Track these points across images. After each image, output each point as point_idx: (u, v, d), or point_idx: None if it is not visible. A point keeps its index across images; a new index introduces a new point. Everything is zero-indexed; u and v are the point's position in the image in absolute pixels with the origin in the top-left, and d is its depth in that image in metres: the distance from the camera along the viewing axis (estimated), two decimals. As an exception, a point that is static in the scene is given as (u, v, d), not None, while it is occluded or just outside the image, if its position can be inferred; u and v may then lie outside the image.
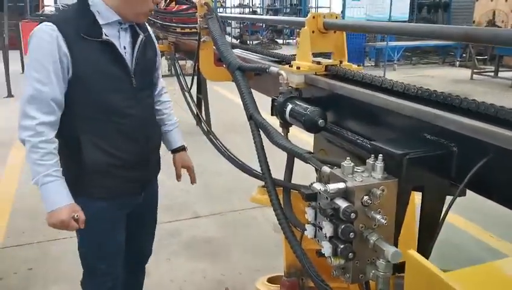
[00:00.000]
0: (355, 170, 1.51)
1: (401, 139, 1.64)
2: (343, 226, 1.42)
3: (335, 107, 2.12)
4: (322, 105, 2.09)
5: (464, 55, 13.81)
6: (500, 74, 11.22)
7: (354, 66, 2.35)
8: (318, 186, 1.57)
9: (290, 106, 2.17)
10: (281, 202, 1.96)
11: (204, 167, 5.09)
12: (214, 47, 3.79)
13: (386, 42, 12.80)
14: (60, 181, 1.84)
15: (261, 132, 2.08)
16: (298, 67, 2.30)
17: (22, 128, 1.79)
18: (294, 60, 2.41)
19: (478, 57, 12.51)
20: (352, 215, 1.39)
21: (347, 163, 1.51)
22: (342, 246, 1.43)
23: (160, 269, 3.37)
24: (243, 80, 2.36)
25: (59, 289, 3.19)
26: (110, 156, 1.95)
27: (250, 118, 2.25)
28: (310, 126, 2.05)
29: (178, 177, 2.41)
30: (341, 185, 1.45)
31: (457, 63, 13.98)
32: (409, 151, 1.44)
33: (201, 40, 3.46)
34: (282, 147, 1.98)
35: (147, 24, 2.14)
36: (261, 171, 2.14)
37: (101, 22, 1.87)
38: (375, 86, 1.98)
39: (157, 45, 2.23)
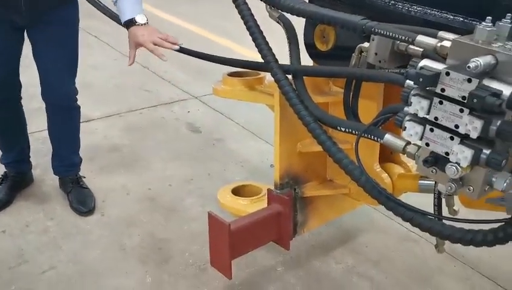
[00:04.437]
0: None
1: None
2: (500, 122, 0.95)
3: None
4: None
5: None
6: None
7: None
8: (433, 64, 1.06)
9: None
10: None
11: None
12: None
13: None
14: None
15: None
16: None
17: None
18: None
19: None
20: (527, 105, 0.92)
21: (487, 24, 1.00)
22: (492, 152, 0.98)
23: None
24: None
25: None
26: None
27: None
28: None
29: (129, 58, 2.01)
30: (491, 60, 0.96)
31: None
32: None
33: None
34: (308, 13, 1.38)
35: None
36: (258, 50, 1.54)
37: None
38: None
39: None
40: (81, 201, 2.50)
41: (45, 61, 2.25)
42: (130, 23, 1.97)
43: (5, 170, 2.56)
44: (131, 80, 4.14)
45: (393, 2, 1.50)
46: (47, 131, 2.54)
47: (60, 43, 2.23)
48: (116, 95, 3.87)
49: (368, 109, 1.68)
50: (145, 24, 1.97)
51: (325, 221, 2.16)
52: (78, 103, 2.45)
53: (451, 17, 1.36)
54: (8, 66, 2.26)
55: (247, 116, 3.47)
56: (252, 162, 3.06)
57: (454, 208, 1.49)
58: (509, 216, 1.15)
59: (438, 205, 1.49)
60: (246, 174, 2.93)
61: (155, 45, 1.92)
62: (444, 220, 1.26)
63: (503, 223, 1.10)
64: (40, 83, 2.33)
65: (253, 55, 1.78)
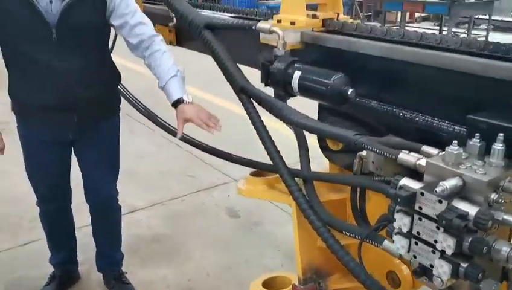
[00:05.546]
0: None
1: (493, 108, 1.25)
2: (471, 239, 1.02)
3: (353, 73, 1.67)
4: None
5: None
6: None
7: (351, 20, 1.95)
8: (411, 183, 1.16)
9: (298, 74, 1.69)
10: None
11: (122, 149, 4.39)
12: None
13: None
14: None
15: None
16: (293, 23, 1.82)
17: None
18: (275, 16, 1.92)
19: (365, 14, 12.88)
20: (490, 223, 0.99)
21: (454, 148, 1.10)
22: (469, 266, 1.04)
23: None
24: (216, 42, 1.82)
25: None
26: (27, 94, 2.20)
27: (240, 91, 1.75)
28: (336, 98, 1.60)
29: (178, 132, 2.15)
30: (458, 182, 1.05)
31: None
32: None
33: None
34: (309, 127, 1.52)
35: None
36: (270, 159, 1.67)
37: None
38: (402, 42, 1.60)
39: (114, 5, 2.14)
40: (123, 297, 2.64)
41: (89, 168, 2.42)
42: (178, 102, 2.12)
43: (53, 270, 2.71)
44: (175, 165, 4.38)
45: (390, 108, 1.62)
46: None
47: (103, 150, 2.41)
48: (160, 182, 4.09)
49: (379, 205, 1.75)
50: (191, 102, 2.15)
51: (354, 311, 2.17)
52: (123, 193, 2.63)
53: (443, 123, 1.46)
54: (60, 181, 2.45)
55: (284, 198, 3.57)
56: (289, 245, 3.12)
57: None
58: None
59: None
60: (282, 259, 2.99)
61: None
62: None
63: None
64: (83, 186, 2.50)
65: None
